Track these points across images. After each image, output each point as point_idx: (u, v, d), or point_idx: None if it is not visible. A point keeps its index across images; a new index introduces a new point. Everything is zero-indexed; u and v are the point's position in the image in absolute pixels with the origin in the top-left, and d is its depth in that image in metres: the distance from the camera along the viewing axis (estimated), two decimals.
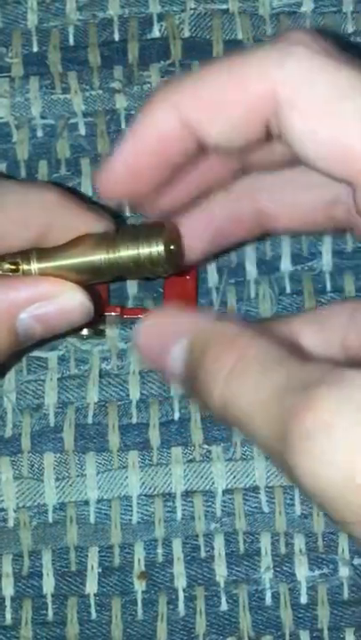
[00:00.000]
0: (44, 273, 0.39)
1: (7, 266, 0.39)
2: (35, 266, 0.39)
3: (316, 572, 0.44)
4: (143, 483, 0.45)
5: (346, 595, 0.44)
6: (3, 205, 0.38)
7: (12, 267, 0.39)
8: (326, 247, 0.46)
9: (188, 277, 0.44)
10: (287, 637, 0.44)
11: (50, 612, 0.44)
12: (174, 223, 0.40)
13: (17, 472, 0.44)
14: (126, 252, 0.39)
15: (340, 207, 0.39)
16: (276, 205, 0.40)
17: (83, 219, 0.39)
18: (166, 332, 0.36)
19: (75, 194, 0.41)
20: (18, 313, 0.38)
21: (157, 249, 0.38)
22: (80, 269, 0.39)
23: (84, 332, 0.43)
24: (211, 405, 0.33)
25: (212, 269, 0.45)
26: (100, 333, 0.44)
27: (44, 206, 0.39)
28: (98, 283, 0.41)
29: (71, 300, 0.39)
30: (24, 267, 0.39)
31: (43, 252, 0.39)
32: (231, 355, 0.33)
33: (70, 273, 0.39)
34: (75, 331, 0.41)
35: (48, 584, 0.44)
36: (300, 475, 0.29)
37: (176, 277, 0.43)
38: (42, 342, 0.43)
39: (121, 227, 0.40)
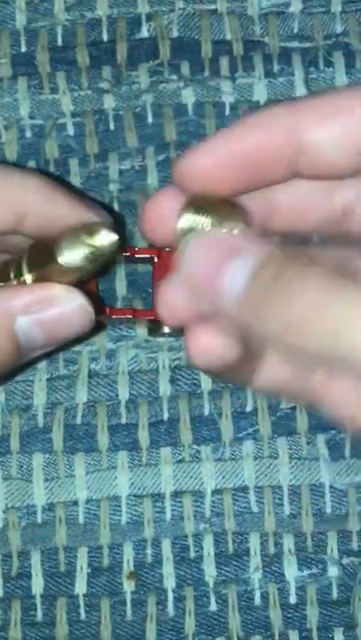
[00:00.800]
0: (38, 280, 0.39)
1: None
2: (27, 276, 0.39)
3: (306, 572, 0.44)
4: (132, 483, 0.45)
5: (335, 594, 0.44)
6: None
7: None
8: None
9: None
10: (276, 637, 0.44)
11: (39, 613, 0.44)
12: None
13: (5, 473, 0.44)
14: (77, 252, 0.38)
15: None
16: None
17: (66, 206, 0.38)
18: (224, 245, 0.33)
19: (63, 184, 0.40)
20: (15, 317, 0.37)
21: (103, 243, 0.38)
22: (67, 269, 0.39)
23: (166, 329, 0.43)
24: (294, 315, 0.31)
25: None
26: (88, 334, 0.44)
27: (25, 190, 0.38)
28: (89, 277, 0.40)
29: (70, 303, 0.38)
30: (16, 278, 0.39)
31: (31, 260, 0.39)
32: (317, 267, 0.31)
33: (62, 274, 0.39)
34: (79, 339, 0.41)
35: (37, 585, 0.44)
36: None
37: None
38: (49, 354, 0.42)
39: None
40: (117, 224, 0.39)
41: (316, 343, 0.31)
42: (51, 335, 0.38)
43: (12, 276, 0.39)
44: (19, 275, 0.39)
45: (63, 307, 0.38)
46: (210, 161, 0.34)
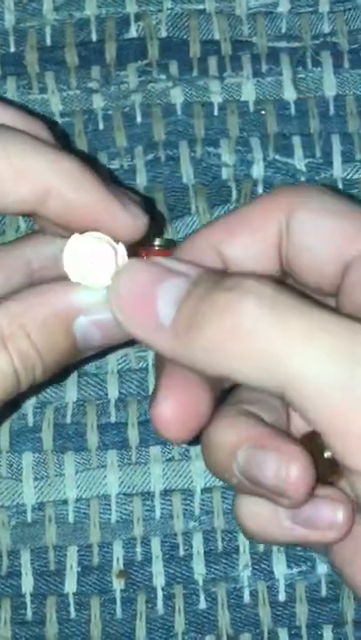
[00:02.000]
0: None
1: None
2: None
3: (295, 570, 0.44)
4: (122, 482, 0.45)
5: (324, 592, 0.44)
6: (7, 151, 0.35)
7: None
8: None
9: None
10: (266, 635, 0.44)
11: (29, 612, 0.44)
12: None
13: None
14: None
15: None
16: None
17: (92, 195, 0.36)
18: (155, 271, 0.34)
19: (100, 171, 0.38)
20: (75, 315, 0.35)
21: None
22: None
23: None
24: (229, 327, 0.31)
25: None
26: None
27: (54, 168, 0.35)
28: None
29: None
30: None
31: None
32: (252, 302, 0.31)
33: None
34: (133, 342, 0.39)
35: (27, 583, 0.44)
36: None
37: None
38: (101, 354, 0.42)
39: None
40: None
41: (251, 372, 0.31)
42: (108, 336, 0.36)
43: None
44: None
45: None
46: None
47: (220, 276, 0.33)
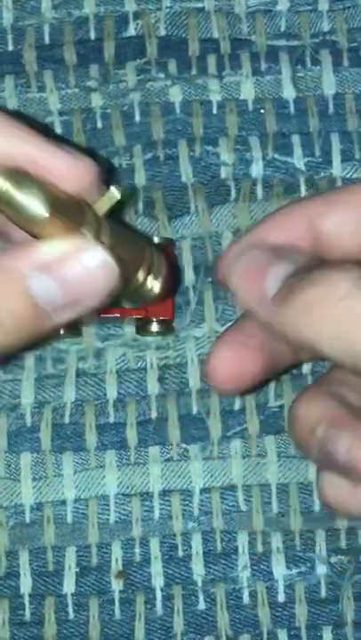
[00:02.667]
0: None
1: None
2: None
3: (294, 571, 0.44)
4: (120, 482, 0.44)
5: (323, 593, 0.44)
6: None
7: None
8: None
9: None
10: (265, 636, 0.44)
11: (27, 613, 0.44)
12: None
13: None
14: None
15: None
16: None
17: (25, 141, 0.35)
18: (270, 255, 0.37)
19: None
20: (28, 276, 0.34)
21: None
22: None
23: (154, 328, 0.44)
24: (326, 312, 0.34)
25: (189, 268, 0.45)
26: (76, 332, 0.44)
27: (24, 138, 0.35)
28: None
29: (94, 258, 0.34)
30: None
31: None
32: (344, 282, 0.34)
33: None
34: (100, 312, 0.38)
35: (25, 584, 0.44)
36: None
37: None
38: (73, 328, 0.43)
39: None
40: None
41: (332, 342, 0.34)
42: (72, 294, 0.34)
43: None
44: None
45: (85, 260, 0.34)
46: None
47: (322, 262, 0.36)
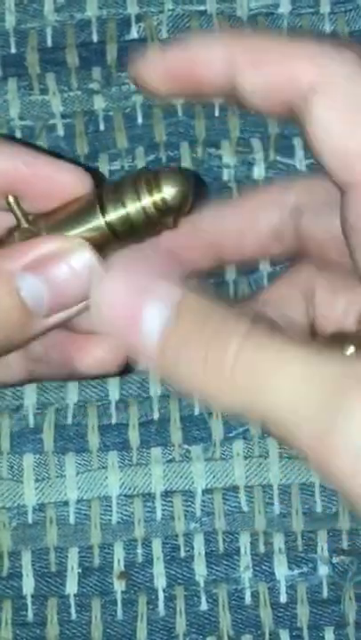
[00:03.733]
0: None
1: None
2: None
3: (296, 571, 0.44)
4: (123, 483, 0.45)
5: (325, 593, 0.44)
6: None
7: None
8: None
9: None
10: (267, 636, 0.44)
11: (30, 613, 0.44)
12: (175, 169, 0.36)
13: None
14: (133, 205, 0.35)
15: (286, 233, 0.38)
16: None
17: (54, 167, 0.36)
18: (138, 292, 0.32)
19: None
20: (16, 276, 0.34)
21: (169, 192, 0.35)
22: (87, 236, 0.35)
23: None
24: (214, 376, 0.30)
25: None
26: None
27: (10, 152, 0.35)
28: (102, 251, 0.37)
29: (81, 259, 0.34)
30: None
31: (49, 221, 0.36)
32: (243, 321, 0.30)
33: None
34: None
35: (28, 585, 0.44)
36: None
37: None
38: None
39: (104, 184, 0.37)
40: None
41: (234, 400, 0.30)
42: (59, 294, 0.34)
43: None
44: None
45: (72, 261, 0.34)
46: (157, 65, 0.34)
47: (203, 308, 0.32)
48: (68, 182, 0.36)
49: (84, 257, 0.35)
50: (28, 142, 0.44)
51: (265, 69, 0.33)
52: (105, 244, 0.35)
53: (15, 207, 0.35)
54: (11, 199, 0.35)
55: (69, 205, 0.36)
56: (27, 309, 0.35)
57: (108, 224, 0.35)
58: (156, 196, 0.35)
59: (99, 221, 0.35)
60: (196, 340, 0.31)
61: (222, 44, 0.34)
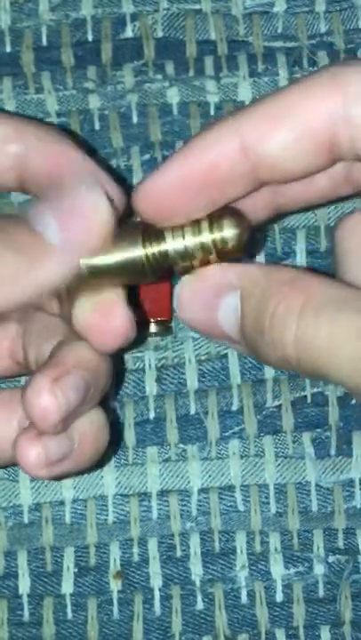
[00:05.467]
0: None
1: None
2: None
3: (292, 570, 0.44)
4: (119, 482, 0.45)
5: (321, 592, 0.44)
6: None
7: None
8: (300, 246, 0.46)
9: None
10: (263, 636, 0.44)
11: (26, 613, 0.44)
12: (237, 209, 0.36)
13: None
14: (192, 240, 0.35)
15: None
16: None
17: (62, 148, 0.36)
18: (211, 288, 0.35)
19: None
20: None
21: (232, 232, 0.35)
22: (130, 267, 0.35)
23: (152, 328, 0.43)
24: (280, 353, 0.32)
25: None
26: (168, 331, 0.44)
27: (19, 129, 0.36)
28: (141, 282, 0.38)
29: (87, 194, 0.34)
30: None
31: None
32: (299, 295, 0.32)
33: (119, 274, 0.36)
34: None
35: (24, 584, 0.44)
36: None
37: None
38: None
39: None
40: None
41: (306, 368, 0.32)
42: (65, 226, 0.34)
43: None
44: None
45: (77, 196, 0.34)
46: (164, 188, 0.34)
47: (263, 286, 0.33)
48: (72, 162, 0.36)
49: (94, 192, 0.34)
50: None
51: (288, 124, 0.33)
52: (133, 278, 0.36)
53: None
54: None
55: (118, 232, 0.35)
56: (40, 238, 0.34)
57: (147, 257, 0.35)
58: (217, 235, 0.35)
59: (138, 252, 0.35)
60: (261, 325, 0.33)
61: (230, 130, 0.33)
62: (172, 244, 0.35)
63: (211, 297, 0.35)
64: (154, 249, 0.35)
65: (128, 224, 0.36)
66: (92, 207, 0.34)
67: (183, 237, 0.35)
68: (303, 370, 0.33)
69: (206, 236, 0.35)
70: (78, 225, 0.34)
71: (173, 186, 0.34)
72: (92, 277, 0.35)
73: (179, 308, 0.36)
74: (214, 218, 0.35)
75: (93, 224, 0.34)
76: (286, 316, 0.32)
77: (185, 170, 0.34)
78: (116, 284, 0.36)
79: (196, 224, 0.35)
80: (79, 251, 0.34)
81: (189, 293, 0.35)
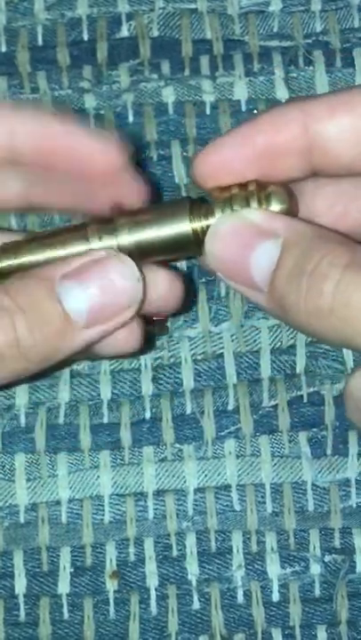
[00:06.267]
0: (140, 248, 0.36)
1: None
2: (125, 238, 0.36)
3: (288, 570, 0.44)
4: (115, 482, 0.45)
5: (317, 592, 0.44)
6: None
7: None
8: None
9: None
10: (259, 635, 0.44)
11: (22, 613, 0.44)
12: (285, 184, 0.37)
13: None
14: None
15: None
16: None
17: (49, 122, 0.37)
18: (252, 229, 0.35)
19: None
20: (57, 278, 0.35)
21: (280, 207, 0.36)
22: (169, 243, 0.36)
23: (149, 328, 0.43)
24: (314, 302, 0.32)
25: (181, 268, 0.46)
26: (166, 330, 0.44)
27: (3, 106, 0.37)
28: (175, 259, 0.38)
29: (123, 271, 0.36)
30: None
31: (134, 223, 0.36)
32: (346, 253, 0.32)
33: (155, 249, 0.37)
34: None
35: (20, 584, 0.44)
36: None
37: None
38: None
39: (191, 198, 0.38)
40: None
41: (335, 334, 0.32)
42: (99, 304, 0.35)
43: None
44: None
45: (111, 274, 0.36)
46: (223, 158, 0.35)
47: (309, 239, 0.34)
48: (96, 151, 0.37)
49: (127, 270, 0.36)
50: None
51: (349, 113, 0.35)
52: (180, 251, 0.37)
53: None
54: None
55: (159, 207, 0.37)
56: (66, 315, 0.35)
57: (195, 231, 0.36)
58: (265, 208, 0.36)
59: (185, 226, 0.36)
60: (299, 273, 0.33)
61: (296, 108, 0.35)
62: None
63: (249, 238, 0.35)
64: (202, 223, 0.36)
65: (171, 201, 0.37)
66: (123, 292, 0.35)
67: (232, 211, 0.36)
68: (328, 327, 0.32)
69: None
70: (108, 311, 0.36)
71: (237, 150, 0.35)
72: (140, 253, 0.36)
73: (211, 241, 0.35)
74: (263, 193, 0.36)
75: (124, 310, 0.36)
76: (331, 268, 0.32)
77: (251, 133, 0.35)
78: (160, 260, 0.37)
79: (244, 198, 0.36)
80: (104, 331, 0.36)
81: (229, 228, 0.35)
